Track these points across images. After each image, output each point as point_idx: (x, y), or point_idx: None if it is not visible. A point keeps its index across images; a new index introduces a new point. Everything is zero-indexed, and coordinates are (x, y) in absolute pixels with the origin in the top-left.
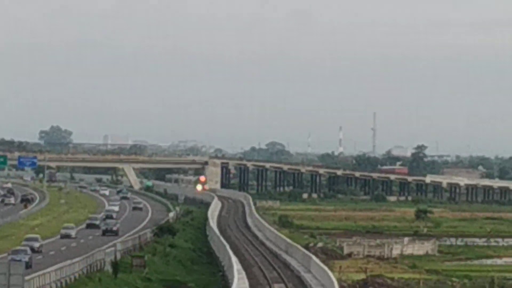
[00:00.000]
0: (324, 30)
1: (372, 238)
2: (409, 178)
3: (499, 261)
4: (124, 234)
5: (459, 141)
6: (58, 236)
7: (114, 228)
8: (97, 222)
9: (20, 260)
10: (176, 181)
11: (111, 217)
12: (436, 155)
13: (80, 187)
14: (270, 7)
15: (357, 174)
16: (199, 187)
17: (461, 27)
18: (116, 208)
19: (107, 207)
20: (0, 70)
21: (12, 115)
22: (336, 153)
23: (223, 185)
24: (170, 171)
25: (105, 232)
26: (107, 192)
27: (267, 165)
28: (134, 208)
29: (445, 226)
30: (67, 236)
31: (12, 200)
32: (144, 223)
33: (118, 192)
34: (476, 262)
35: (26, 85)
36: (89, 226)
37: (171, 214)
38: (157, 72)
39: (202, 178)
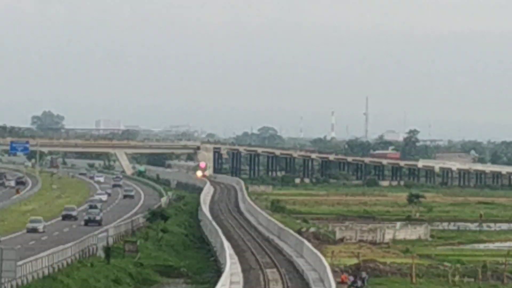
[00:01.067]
0: (318, 13)
1: (364, 223)
2: (401, 163)
3: (491, 246)
4: (108, 224)
5: (451, 125)
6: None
7: (97, 218)
8: (74, 213)
9: None
10: (169, 166)
11: (94, 207)
12: (428, 139)
13: (80, 174)
14: None
15: (349, 159)
16: (199, 173)
17: (456, 11)
18: (104, 197)
19: (94, 196)
20: None
21: (4, 100)
22: (328, 138)
23: (215, 170)
24: (170, 156)
25: (87, 222)
26: (102, 179)
27: (260, 150)
28: (125, 196)
29: (438, 211)
30: (33, 230)
31: (12, 183)
32: (131, 212)
33: (115, 179)
34: (468, 246)
35: (18, 70)
36: (66, 217)
37: (164, 199)
38: (148, 57)
39: (202, 164)
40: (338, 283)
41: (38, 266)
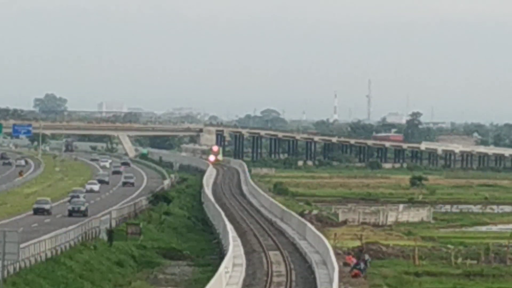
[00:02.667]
0: None
1: (367, 205)
2: (404, 145)
3: (494, 228)
4: (93, 215)
5: (454, 108)
6: None
7: (82, 208)
8: (47, 207)
9: None
10: (187, 149)
11: (77, 197)
12: (431, 122)
13: (92, 160)
14: None
15: (352, 141)
16: (211, 158)
17: None
18: (96, 187)
19: (85, 185)
20: None
21: (6, 82)
22: (331, 120)
23: None
24: (173, 139)
25: (71, 213)
26: (107, 164)
27: (262, 132)
28: (125, 184)
29: (440, 193)
30: None
31: (22, 162)
32: (122, 203)
33: (123, 164)
34: (471, 229)
35: (20, 53)
36: (37, 211)
37: (166, 182)
38: (151, 39)
39: (215, 148)
40: (343, 264)
41: (41, 249)
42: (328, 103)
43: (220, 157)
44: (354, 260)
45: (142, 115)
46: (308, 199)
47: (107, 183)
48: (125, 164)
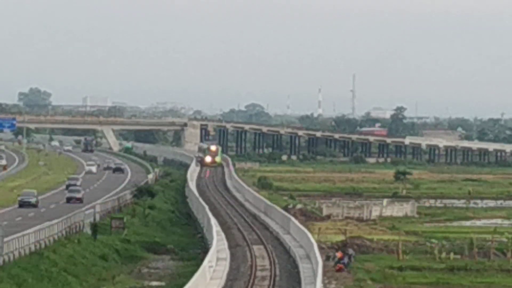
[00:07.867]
0: None
1: (351, 200)
2: (388, 140)
3: (478, 223)
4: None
5: (438, 102)
6: None
7: None
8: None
9: None
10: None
11: None
12: (415, 116)
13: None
14: None
15: (336, 135)
16: (207, 159)
17: None
18: None
19: None
20: None
21: None
22: (315, 115)
23: None
24: (158, 135)
25: None
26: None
27: (247, 126)
28: (69, 200)
29: (424, 188)
30: None
31: (3, 147)
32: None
33: (115, 170)
34: (455, 223)
35: (4, 46)
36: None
37: (150, 176)
38: (136, 33)
39: (213, 147)
40: (326, 257)
41: (25, 242)
42: (313, 97)
43: (218, 158)
44: (338, 255)
45: (126, 109)
46: (292, 193)
47: (34, 205)
48: (118, 170)
